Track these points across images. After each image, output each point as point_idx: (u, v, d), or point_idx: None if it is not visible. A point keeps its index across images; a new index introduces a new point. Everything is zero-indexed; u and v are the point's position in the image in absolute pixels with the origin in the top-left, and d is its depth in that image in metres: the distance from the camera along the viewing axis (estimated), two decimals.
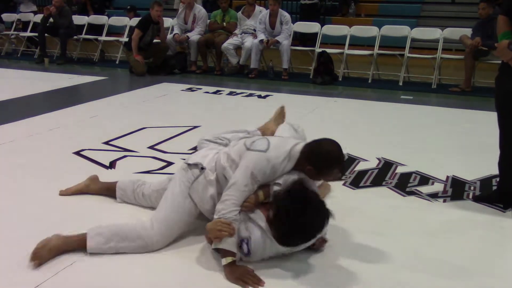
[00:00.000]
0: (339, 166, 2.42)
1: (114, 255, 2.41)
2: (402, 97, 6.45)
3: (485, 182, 3.46)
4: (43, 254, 2.32)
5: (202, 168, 2.51)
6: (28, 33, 9.81)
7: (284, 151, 2.40)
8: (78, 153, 3.91)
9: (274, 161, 2.35)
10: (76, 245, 2.40)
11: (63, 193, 3.05)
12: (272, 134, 2.93)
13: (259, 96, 6.26)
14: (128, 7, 9.99)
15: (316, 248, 2.43)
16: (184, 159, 2.70)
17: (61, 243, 2.39)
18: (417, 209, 3.04)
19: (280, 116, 3.15)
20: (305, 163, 2.38)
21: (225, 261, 2.24)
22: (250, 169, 2.33)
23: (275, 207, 2.25)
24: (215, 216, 2.30)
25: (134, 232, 2.43)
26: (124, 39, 8.62)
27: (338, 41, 8.23)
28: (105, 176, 3.47)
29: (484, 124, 5.05)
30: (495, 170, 3.57)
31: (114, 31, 9.73)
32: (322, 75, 7.26)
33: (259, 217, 2.32)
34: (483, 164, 3.75)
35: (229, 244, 2.24)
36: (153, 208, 2.71)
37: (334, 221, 2.35)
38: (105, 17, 9.77)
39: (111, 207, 2.92)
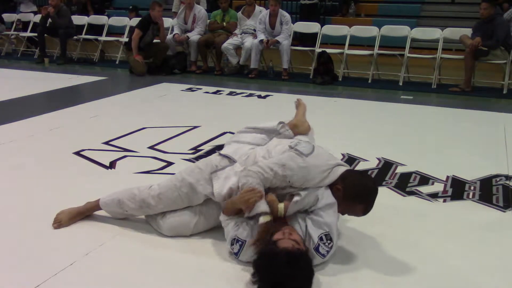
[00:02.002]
0: (365, 205, 2.36)
1: (114, 256, 2.42)
2: (402, 97, 6.45)
3: (485, 182, 3.46)
4: (63, 217, 2.67)
5: (234, 161, 2.54)
6: (28, 33, 9.82)
7: (326, 164, 2.37)
8: (78, 153, 3.91)
9: (310, 169, 2.32)
10: (95, 205, 2.73)
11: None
12: (306, 129, 2.88)
13: (259, 96, 6.26)
14: (131, 7, 10.00)
15: None
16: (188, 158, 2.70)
17: (80, 207, 2.73)
18: (417, 209, 3.04)
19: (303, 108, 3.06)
20: (339, 182, 2.35)
21: (262, 219, 2.24)
22: (283, 162, 2.32)
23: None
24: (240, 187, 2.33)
25: (135, 190, 2.64)
26: (124, 39, 8.62)
27: (338, 41, 8.22)
28: (105, 176, 3.48)
29: (484, 124, 5.07)
30: (495, 170, 3.59)
31: (114, 31, 9.72)
32: (322, 75, 7.26)
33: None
34: (483, 164, 3.76)
35: (262, 207, 2.25)
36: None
37: None
38: (105, 17, 9.77)
39: None
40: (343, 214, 2.46)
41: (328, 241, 2.26)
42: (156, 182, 2.66)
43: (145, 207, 2.62)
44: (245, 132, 2.85)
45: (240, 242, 2.30)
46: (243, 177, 2.35)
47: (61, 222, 2.67)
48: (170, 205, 2.58)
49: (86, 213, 2.76)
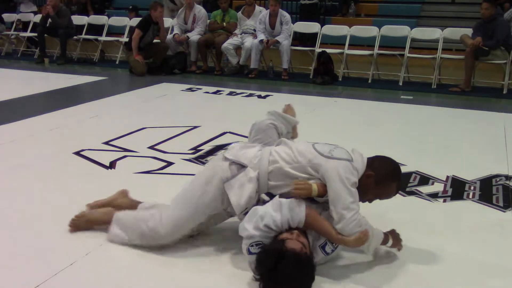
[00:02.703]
0: (398, 182, 2.42)
1: (114, 256, 2.43)
2: (402, 97, 6.45)
3: (485, 182, 3.46)
4: (80, 223, 2.60)
5: (243, 166, 2.36)
6: (28, 33, 9.82)
7: (362, 161, 2.35)
8: (78, 153, 3.91)
9: (358, 171, 2.29)
10: (107, 219, 2.56)
11: (92, 206, 2.75)
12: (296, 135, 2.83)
13: (259, 96, 6.26)
14: (131, 7, 10.00)
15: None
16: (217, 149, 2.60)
17: (101, 216, 2.60)
18: (417, 209, 3.04)
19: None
20: (367, 170, 2.31)
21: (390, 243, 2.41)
22: (344, 180, 2.21)
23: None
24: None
25: (144, 225, 2.43)
26: (124, 39, 8.62)
27: (338, 41, 8.22)
28: (105, 176, 3.48)
29: (484, 124, 5.07)
30: (495, 170, 3.59)
31: (114, 31, 9.72)
32: (322, 75, 7.26)
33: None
34: (483, 164, 3.76)
35: (376, 238, 2.33)
36: None
37: None
38: (105, 17, 9.77)
39: None
40: (370, 201, 2.42)
41: None
42: (158, 205, 2.54)
43: (158, 239, 2.45)
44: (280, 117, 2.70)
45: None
46: (350, 227, 2.21)
47: (78, 228, 2.60)
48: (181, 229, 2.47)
49: (103, 225, 2.59)
